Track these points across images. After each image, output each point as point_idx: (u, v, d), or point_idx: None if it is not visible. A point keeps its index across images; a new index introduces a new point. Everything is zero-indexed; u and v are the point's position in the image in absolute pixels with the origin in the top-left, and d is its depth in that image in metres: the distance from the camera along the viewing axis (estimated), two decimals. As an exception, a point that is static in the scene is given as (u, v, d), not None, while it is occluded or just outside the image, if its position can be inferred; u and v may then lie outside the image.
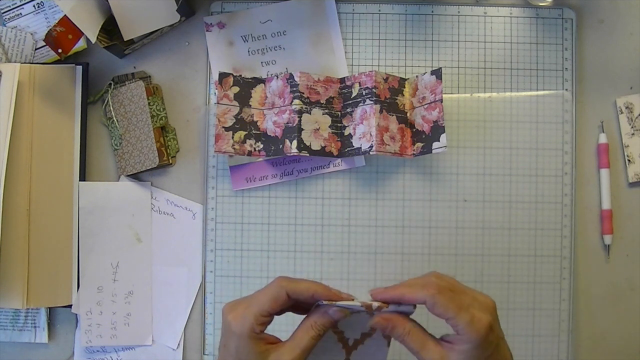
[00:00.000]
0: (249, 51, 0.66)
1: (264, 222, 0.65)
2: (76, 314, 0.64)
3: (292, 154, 0.62)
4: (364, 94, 0.62)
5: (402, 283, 0.46)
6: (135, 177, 0.66)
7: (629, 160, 0.66)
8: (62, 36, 0.59)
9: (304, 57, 0.65)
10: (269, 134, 0.64)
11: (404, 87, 0.64)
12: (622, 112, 0.66)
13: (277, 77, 0.64)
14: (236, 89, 0.64)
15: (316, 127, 0.62)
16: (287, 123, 0.62)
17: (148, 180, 0.66)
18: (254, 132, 0.64)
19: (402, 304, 0.44)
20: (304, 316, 0.46)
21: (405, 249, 0.65)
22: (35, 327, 0.65)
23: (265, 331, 0.45)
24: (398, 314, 0.44)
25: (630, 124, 0.66)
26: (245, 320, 0.44)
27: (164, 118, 0.64)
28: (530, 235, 0.65)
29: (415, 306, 0.45)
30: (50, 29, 0.59)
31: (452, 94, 0.65)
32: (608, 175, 0.65)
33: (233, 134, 0.63)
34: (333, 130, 0.63)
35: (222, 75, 0.63)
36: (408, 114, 0.64)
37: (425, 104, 0.62)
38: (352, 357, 0.47)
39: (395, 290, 0.44)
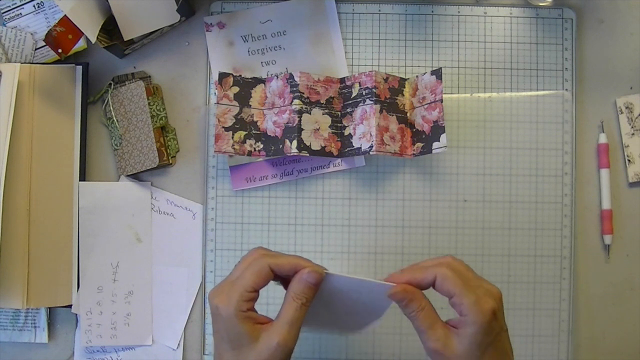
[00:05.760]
0: (249, 51, 0.66)
1: (264, 222, 0.65)
2: (76, 314, 0.64)
3: (292, 154, 0.62)
4: (364, 94, 0.62)
5: (418, 263, 0.47)
6: (135, 177, 0.66)
7: (629, 160, 0.66)
8: (62, 36, 0.59)
9: (304, 57, 0.65)
10: (269, 134, 0.64)
11: (404, 87, 0.64)
12: (622, 112, 0.66)
13: (277, 77, 0.64)
14: (236, 89, 0.64)
15: (316, 127, 0.62)
16: (287, 123, 0.62)
17: (148, 180, 0.66)
18: (254, 132, 0.64)
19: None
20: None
21: (405, 249, 0.65)
22: (35, 327, 0.65)
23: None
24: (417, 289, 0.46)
25: (630, 124, 0.66)
26: (230, 301, 0.43)
27: (164, 118, 0.64)
28: (530, 235, 0.65)
29: None
30: (50, 29, 0.59)
31: (452, 94, 0.65)
32: (608, 175, 0.65)
33: (233, 134, 0.63)
34: (333, 130, 0.63)
35: (222, 75, 0.63)
36: (408, 114, 0.64)
37: (425, 104, 0.62)
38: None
39: (410, 273, 0.46)
